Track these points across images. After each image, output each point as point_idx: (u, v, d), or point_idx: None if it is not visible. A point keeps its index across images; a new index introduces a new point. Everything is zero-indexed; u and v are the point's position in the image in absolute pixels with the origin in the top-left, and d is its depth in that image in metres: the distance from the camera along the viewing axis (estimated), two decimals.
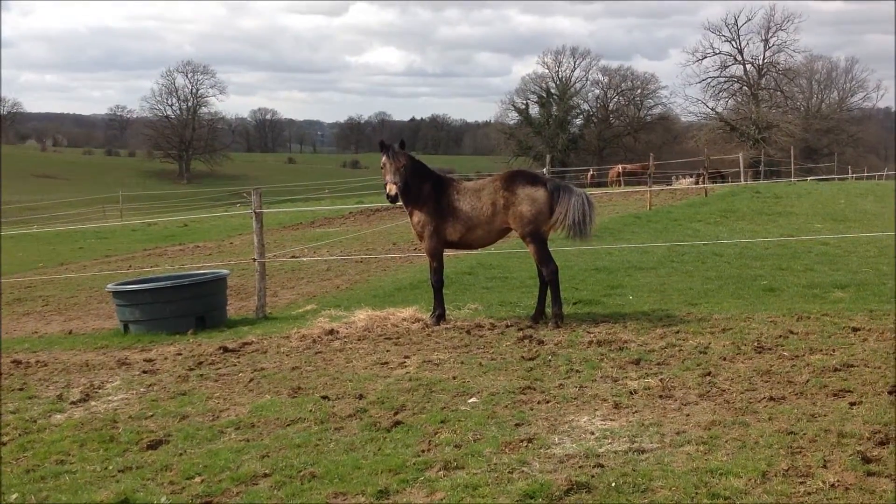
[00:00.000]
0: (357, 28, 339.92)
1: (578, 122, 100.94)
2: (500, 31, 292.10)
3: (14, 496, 5.79)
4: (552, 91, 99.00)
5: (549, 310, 10.48)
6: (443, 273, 11.01)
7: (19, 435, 7.22)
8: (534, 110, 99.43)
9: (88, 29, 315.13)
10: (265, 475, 5.83)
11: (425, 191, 10.61)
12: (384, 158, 10.42)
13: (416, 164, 10.75)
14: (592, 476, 5.45)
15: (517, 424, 6.53)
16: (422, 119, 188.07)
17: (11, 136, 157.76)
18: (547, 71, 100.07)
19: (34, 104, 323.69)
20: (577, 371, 8.03)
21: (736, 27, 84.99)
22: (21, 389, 8.88)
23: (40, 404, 8.21)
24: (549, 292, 10.51)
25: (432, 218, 10.59)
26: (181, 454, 6.42)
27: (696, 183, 31.94)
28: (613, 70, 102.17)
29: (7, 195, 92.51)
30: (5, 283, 19.56)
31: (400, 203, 10.62)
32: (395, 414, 6.98)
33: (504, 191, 10.39)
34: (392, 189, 10.36)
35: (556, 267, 10.46)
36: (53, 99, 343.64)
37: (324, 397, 7.63)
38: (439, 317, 10.77)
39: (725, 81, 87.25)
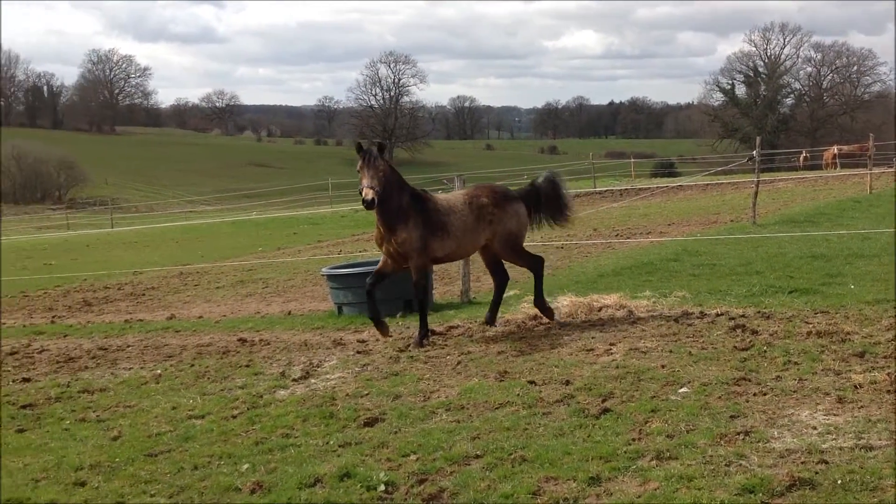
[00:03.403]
0: (554, 12, 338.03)
1: (789, 101, 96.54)
2: (703, 8, 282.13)
3: (245, 466, 6.21)
4: (760, 70, 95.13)
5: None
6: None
7: (248, 409, 7.72)
8: (740, 90, 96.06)
9: (297, 23, 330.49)
10: (477, 456, 5.95)
11: (405, 204, 9.81)
12: (360, 162, 9.53)
13: (396, 173, 9.93)
14: (816, 472, 5.20)
15: (732, 416, 6.33)
16: (621, 102, 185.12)
17: (230, 127, 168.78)
18: (754, 49, 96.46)
19: (250, 97, 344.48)
20: (796, 363, 7.67)
21: None
22: (247, 366, 9.50)
23: (265, 380, 8.75)
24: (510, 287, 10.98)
25: (421, 234, 9.88)
26: (396, 432, 6.66)
27: None
28: (827, 46, 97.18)
29: (226, 183, 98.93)
30: (230, 265, 20.95)
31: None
32: (604, 401, 6.93)
33: (493, 207, 10.18)
34: (368, 193, 9.36)
35: (542, 259, 10.76)
36: (267, 91, 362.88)
37: (530, 382, 7.69)
38: (424, 336, 9.97)
39: None
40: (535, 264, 10.65)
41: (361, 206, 9.72)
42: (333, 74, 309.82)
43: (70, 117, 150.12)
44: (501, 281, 10.78)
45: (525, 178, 59.14)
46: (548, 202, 10.71)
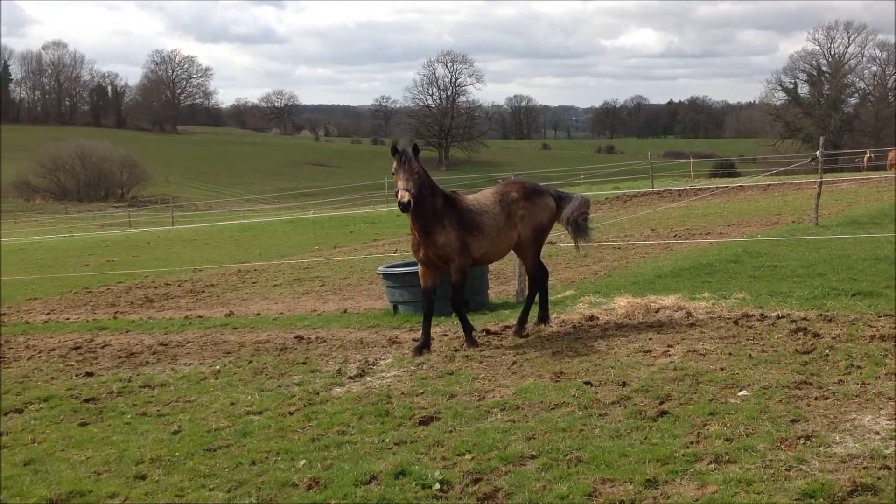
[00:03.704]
0: (612, 10, 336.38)
1: (853, 101, 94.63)
2: (766, 6, 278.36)
3: (302, 462, 6.27)
4: (824, 69, 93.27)
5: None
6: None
7: (304, 406, 7.79)
8: (803, 89, 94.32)
9: (356, 24, 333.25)
10: (532, 457, 5.93)
11: (439, 207, 9.69)
12: (395, 164, 9.32)
13: (428, 176, 9.74)
14: (878, 478, 5.09)
15: (793, 420, 6.21)
16: (680, 102, 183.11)
17: (289, 127, 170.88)
18: (818, 47, 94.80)
19: (308, 96, 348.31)
20: (859, 367, 7.51)
21: None
22: (304, 363, 9.59)
23: (321, 378, 8.83)
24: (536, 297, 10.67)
25: (458, 234, 9.75)
26: (451, 431, 6.67)
27: None
28: (892, 45, 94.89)
29: (284, 182, 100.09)
30: (287, 263, 21.15)
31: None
32: (661, 403, 6.86)
33: (525, 201, 10.19)
34: (405, 196, 9.11)
35: (547, 271, 10.89)
36: (325, 91, 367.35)
37: (586, 383, 7.64)
38: (468, 334, 9.95)
39: None
40: (540, 272, 10.66)
41: None
42: (391, 74, 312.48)
43: (133, 117, 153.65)
44: (541, 277, 10.73)
45: (582, 177, 58.94)
46: (572, 209, 10.62)
